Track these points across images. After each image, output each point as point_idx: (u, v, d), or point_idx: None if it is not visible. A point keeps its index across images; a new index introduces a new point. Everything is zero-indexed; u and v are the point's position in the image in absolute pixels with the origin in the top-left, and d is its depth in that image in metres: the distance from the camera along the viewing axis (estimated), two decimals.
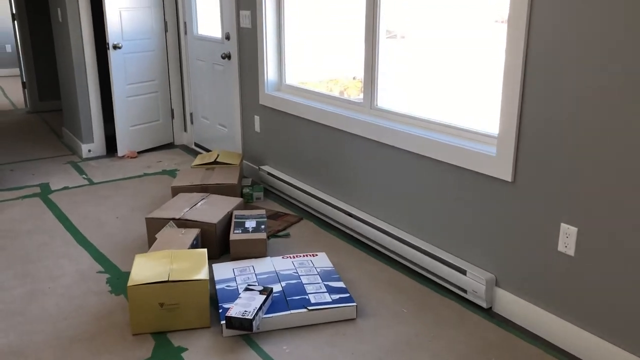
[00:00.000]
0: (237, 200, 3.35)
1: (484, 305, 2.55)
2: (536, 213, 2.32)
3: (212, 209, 3.18)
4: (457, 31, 2.76)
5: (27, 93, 7.01)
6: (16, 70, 9.57)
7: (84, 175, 4.50)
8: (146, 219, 3.09)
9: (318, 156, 3.62)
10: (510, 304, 2.49)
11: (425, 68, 3.03)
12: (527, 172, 2.32)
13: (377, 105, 3.22)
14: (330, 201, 3.47)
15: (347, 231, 3.36)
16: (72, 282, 2.82)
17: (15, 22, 6.79)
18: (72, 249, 3.19)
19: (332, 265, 2.86)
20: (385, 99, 3.20)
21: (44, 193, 4.09)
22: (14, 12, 6.73)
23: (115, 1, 4.64)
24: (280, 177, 3.94)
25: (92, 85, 4.88)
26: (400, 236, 2.97)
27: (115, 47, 4.71)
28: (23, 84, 7.05)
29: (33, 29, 6.74)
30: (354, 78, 3.60)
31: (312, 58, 3.95)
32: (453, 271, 2.66)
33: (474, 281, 2.55)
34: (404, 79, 3.18)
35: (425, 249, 2.81)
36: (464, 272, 2.60)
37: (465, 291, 2.62)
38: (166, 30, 5.11)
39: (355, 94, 3.50)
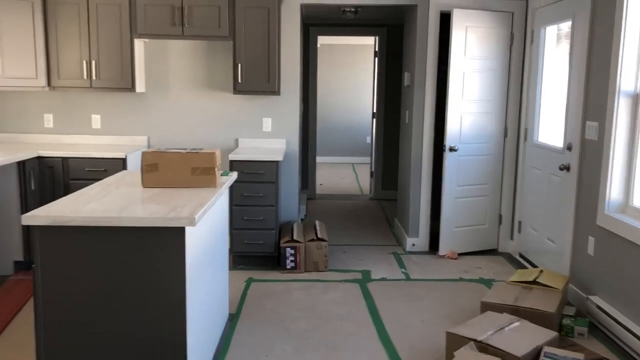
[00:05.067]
0: (551, 335, 2.92)
1: None
2: None
3: (519, 338, 2.84)
4: None
5: (372, 181, 7.78)
6: (369, 159, 10.80)
7: (403, 269, 4.64)
8: (447, 333, 2.95)
9: None
10: None
11: None
12: None
13: None
14: None
15: None
16: None
17: (374, 119, 7.70)
18: (373, 346, 3.25)
19: None
20: None
21: (364, 280, 4.35)
22: (374, 111, 7.65)
23: (458, 107, 4.81)
24: (613, 314, 3.31)
25: (424, 183, 5.09)
26: None
27: (451, 149, 4.84)
28: (371, 172, 7.87)
29: (386, 126, 7.53)
30: None
31: None
32: None
33: None
34: None
35: None
36: None
37: None
38: (505, 136, 5.03)
39: None
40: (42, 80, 4.55)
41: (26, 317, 3.54)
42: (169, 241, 2.32)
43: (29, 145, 4.69)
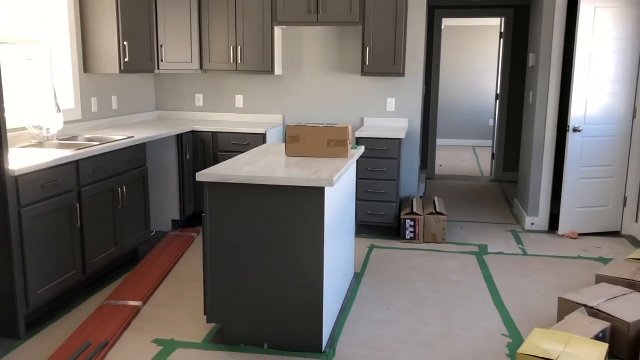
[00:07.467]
0: None
1: None
2: None
3: (631, 307, 2.97)
4: None
5: (493, 163, 7.83)
6: (490, 142, 10.73)
7: (520, 245, 4.79)
8: (559, 298, 3.14)
9: None
10: None
11: None
12: None
13: None
14: None
15: None
16: (478, 335, 3.13)
17: (497, 101, 7.72)
18: (487, 308, 3.51)
19: None
20: None
21: (480, 253, 4.57)
22: (497, 92, 7.67)
23: (583, 87, 4.81)
24: None
25: (546, 164, 5.15)
26: None
27: (575, 130, 4.87)
28: (492, 154, 7.92)
29: (510, 109, 7.54)
30: None
31: None
32: None
33: None
34: None
35: None
36: None
37: None
38: (634, 117, 4.95)
39: None
40: (196, 64, 5.22)
41: (184, 265, 4.21)
42: (311, 199, 2.76)
43: (184, 121, 5.40)
